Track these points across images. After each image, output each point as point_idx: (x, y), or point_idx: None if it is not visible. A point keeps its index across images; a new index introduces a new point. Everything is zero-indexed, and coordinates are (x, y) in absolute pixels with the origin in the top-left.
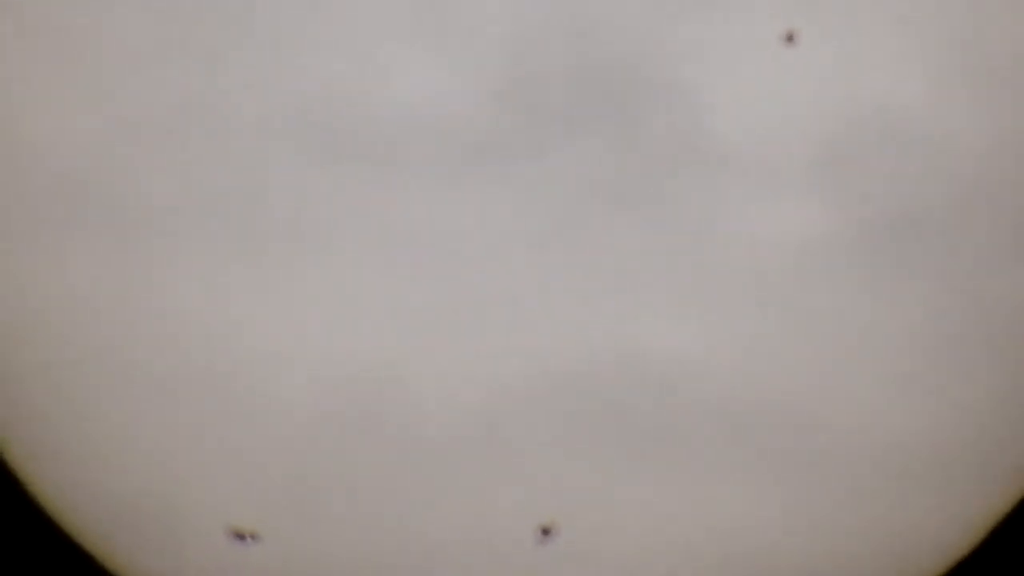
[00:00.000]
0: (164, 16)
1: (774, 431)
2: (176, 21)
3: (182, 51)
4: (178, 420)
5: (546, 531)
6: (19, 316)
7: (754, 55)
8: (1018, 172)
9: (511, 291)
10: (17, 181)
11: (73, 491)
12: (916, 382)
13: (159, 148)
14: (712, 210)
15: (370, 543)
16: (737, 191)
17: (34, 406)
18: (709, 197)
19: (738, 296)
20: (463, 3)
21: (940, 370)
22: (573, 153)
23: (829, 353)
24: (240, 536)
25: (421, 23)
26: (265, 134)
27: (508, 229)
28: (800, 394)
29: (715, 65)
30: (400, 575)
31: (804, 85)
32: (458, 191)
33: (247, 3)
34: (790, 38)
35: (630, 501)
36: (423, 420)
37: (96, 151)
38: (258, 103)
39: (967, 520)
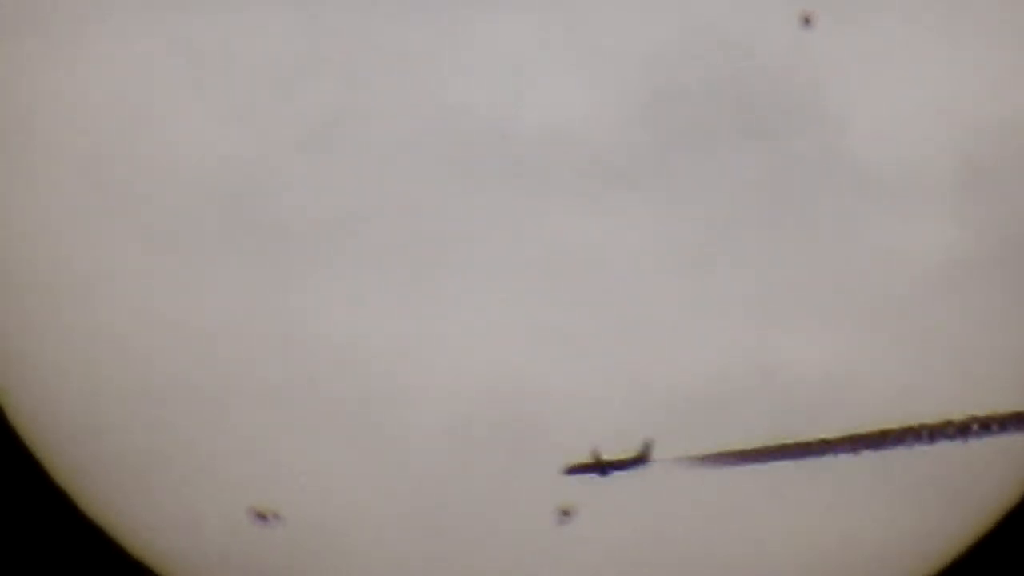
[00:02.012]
0: (313, 39)
1: (912, 447)
2: (326, 44)
3: (331, 74)
4: (318, 434)
5: (566, 512)
6: (162, 329)
7: (896, 76)
8: None
9: (652, 309)
10: (166, 198)
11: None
12: None
13: (304, 168)
14: (854, 229)
15: (507, 558)
16: (879, 211)
17: (171, 418)
18: (851, 216)
19: (880, 314)
20: (606, 26)
21: None
22: (714, 174)
23: (969, 370)
24: (262, 516)
25: (564, 46)
26: (409, 154)
27: (649, 247)
28: (939, 411)
29: (858, 86)
30: None
31: (946, 106)
32: (599, 211)
33: (394, 27)
34: (807, 20)
35: (770, 514)
36: (561, 437)
37: (243, 170)
38: (403, 124)
39: None
